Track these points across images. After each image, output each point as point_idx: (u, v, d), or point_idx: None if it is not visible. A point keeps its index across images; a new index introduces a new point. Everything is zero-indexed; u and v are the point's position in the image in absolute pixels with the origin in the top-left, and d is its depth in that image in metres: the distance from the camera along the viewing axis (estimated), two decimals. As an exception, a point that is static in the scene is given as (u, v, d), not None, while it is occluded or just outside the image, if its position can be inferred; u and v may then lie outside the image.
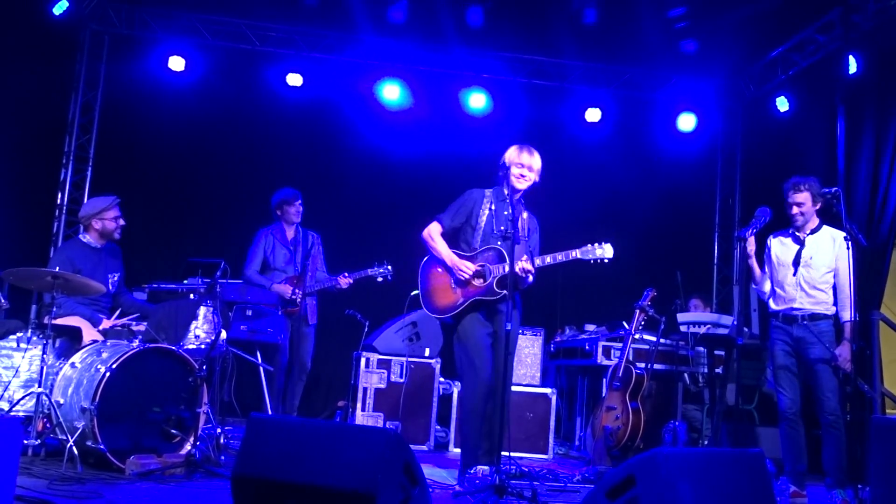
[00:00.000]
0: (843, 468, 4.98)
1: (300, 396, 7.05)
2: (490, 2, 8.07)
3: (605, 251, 4.83)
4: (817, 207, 5.23)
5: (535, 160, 5.01)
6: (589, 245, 4.85)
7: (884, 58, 7.09)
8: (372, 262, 6.69)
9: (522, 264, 4.76)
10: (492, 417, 4.71)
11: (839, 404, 5.07)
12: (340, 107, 8.89)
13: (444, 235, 5.08)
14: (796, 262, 5.20)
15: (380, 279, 6.66)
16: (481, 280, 4.93)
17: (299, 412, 7.33)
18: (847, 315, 5.12)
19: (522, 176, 4.95)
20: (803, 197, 5.20)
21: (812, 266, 5.18)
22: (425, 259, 5.15)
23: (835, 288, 5.19)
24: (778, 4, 7.46)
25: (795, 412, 5.18)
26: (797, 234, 5.29)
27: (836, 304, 5.19)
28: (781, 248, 5.37)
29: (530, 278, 4.90)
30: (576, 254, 4.85)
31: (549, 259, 4.88)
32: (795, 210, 5.23)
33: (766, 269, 5.42)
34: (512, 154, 5.01)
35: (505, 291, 4.74)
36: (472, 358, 4.87)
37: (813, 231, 5.25)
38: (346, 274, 6.68)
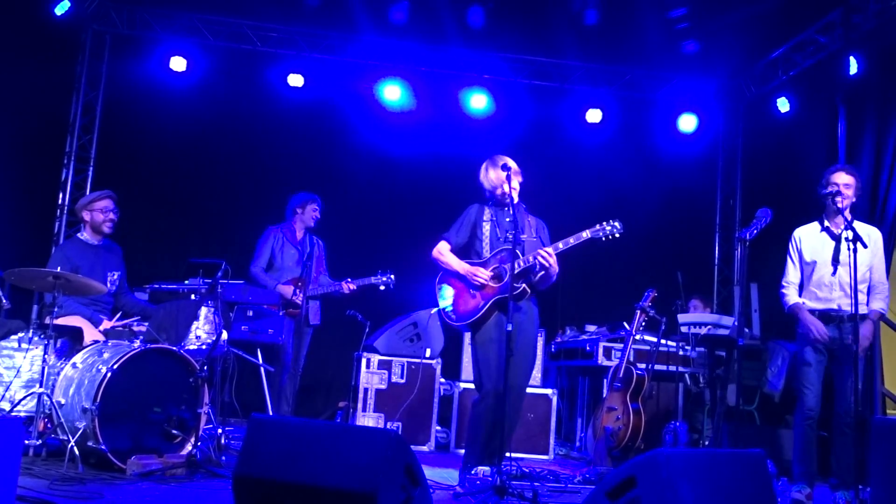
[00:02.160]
0: (851, 470, 4.89)
1: (295, 396, 7.07)
2: (491, 2, 8.07)
3: (615, 227, 4.86)
4: (853, 200, 5.12)
5: (512, 163, 5.05)
6: (598, 224, 4.88)
7: (884, 58, 7.09)
8: (375, 270, 6.79)
9: (542, 254, 4.79)
10: (502, 420, 4.69)
11: (860, 406, 4.99)
12: (341, 107, 8.89)
13: (452, 252, 5.11)
14: (835, 261, 5.02)
15: (382, 287, 6.76)
16: (498, 280, 4.95)
17: (300, 412, 7.34)
18: (879, 305, 5.06)
19: (506, 190, 5.02)
20: (852, 180, 5.07)
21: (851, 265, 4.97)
22: (439, 275, 5.17)
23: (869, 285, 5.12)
24: (778, 5, 7.46)
25: (818, 412, 5.07)
26: (832, 229, 5.13)
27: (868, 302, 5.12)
28: (815, 243, 5.22)
29: (554, 266, 4.86)
30: (586, 234, 4.88)
31: (561, 245, 4.90)
32: (846, 191, 5.05)
33: (793, 264, 5.32)
34: (487, 175, 5.10)
35: (523, 283, 4.81)
36: (490, 363, 4.87)
37: (846, 227, 5.06)
38: (350, 280, 6.77)
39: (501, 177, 5.00)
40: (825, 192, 5.08)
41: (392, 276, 6.75)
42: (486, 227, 5.07)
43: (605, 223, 4.87)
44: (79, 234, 5.98)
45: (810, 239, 5.27)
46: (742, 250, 5.17)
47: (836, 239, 5.13)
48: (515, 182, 5.06)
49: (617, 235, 4.86)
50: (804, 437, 5.07)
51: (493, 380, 4.81)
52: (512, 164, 5.06)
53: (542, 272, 4.89)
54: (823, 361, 5.13)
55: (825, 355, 5.13)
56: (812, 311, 5.17)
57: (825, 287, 5.14)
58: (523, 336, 4.87)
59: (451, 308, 5.08)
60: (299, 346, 6.93)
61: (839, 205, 5.07)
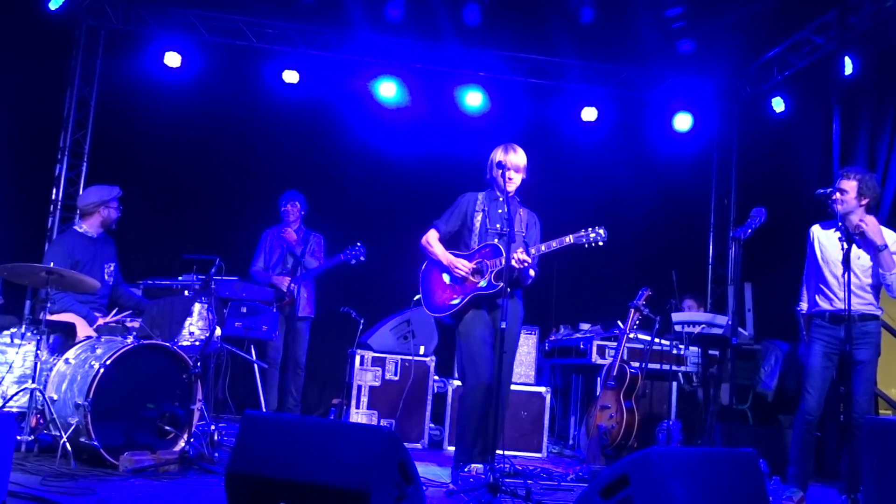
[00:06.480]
0: (859, 472, 4.72)
1: (301, 392, 7.10)
2: (487, 0, 8.07)
3: (599, 234, 4.83)
4: (863, 203, 5.00)
5: (520, 158, 5.04)
6: (582, 230, 4.85)
7: (880, 59, 7.11)
8: (366, 265, 6.96)
9: (518, 255, 4.77)
10: (493, 416, 4.70)
11: (871, 408, 4.94)
12: (337, 104, 8.87)
13: (442, 241, 5.11)
14: (846, 262, 4.86)
15: (353, 262, 7.01)
16: (480, 276, 4.95)
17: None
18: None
19: (510, 179, 5.00)
20: (849, 186, 4.97)
21: (859, 266, 4.95)
22: (424, 264, 5.19)
23: (875, 287, 5.03)
24: (774, 5, 7.47)
25: (818, 417, 5.01)
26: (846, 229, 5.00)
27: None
28: (828, 242, 5.13)
29: (531, 272, 4.93)
30: (569, 239, 4.86)
31: (543, 247, 4.91)
32: (836, 196, 4.97)
33: (810, 261, 5.22)
34: (497, 155, 5.05)
35: (500, 282, 4.75)
36: (473, 357, 4.88)
37: (845, 229, 4.96)
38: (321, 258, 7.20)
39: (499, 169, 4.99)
40: (823, 190, 5.03)
41: (361, 247, 6.98)
42: (478, 219, 5.06)
43: (589, 229, 4.83)
44: (76, 227, 5.90)
45: (824, 236, 5.17)
46: (736, 249, 5.14)
47: (849, 241, 4.96)
48: (520, 176, 5.04)
49: (601, 243, 4.83)
50: (802, 440, 5.02)
51: (477, 374, 4.83)
52: (517, 160, 5.02)
53: (518, 272, 4.89)
54: (831, 368, 5.04)
55: (833, 362, 5.03)
56: (823, 313, 5.08)
57: (836, 287, 5.02)
58: (508, 333, 4.87)
59: (429, 297, 5.11)
60: (294, 343, 6.97)
61: (835, 207, 5.01)
